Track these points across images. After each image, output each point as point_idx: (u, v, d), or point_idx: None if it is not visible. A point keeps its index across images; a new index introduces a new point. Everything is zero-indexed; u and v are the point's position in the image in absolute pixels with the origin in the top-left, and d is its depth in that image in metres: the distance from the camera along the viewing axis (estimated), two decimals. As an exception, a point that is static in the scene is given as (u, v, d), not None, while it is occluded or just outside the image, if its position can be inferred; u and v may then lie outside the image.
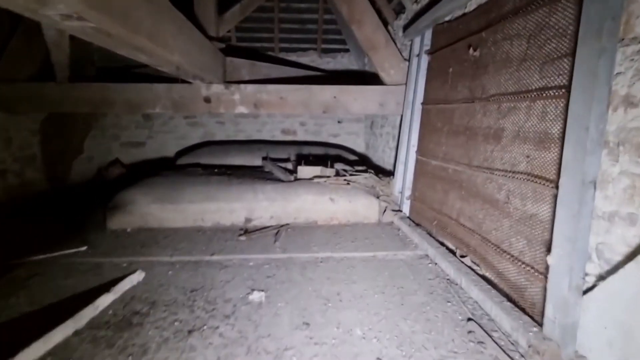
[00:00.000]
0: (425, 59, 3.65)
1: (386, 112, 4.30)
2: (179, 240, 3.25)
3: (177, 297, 2.33)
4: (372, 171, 4.25)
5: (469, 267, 2.57)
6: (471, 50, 2.63)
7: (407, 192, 3.81)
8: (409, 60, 4.13)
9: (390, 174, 4.54)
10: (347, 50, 6.66)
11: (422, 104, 3.67)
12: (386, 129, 5.33)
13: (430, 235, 3.21)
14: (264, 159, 5.02)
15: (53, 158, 4.88)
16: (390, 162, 5.02)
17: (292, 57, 6.63)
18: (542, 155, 1.96)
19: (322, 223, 3.75)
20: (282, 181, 4.00)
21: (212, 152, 5.25)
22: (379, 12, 4.77)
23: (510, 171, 2.23)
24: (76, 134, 5.49)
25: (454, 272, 2.55)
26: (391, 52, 4.27)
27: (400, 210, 3.81)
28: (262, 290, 2.38)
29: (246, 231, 3.36)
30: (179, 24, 2.50)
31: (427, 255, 2.98)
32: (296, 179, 3.98)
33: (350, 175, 3.97)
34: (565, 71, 1.83)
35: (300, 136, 6.83)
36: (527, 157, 2.06)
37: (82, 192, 4.97)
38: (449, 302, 2.28)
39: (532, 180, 2.01)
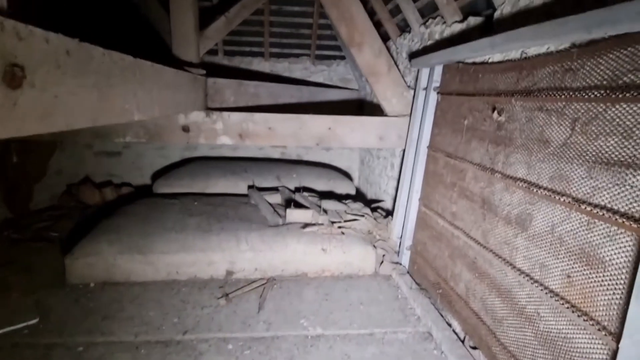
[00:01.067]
0: (433, 96, 3.22)
1: (386, 145, 3.87)
2: (148, 307, 2.83)
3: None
4: (369, 212, 3.86)
5: (482, 367, 2.23)
6: (495, 115, 2.21)
7: (408, 242, 3.43)
8: (414, 90, 3.69)
9: (388, 213, 4.16)
10: (343, 58, 6.15)
11: (429, 147, 3.25)
12: (383, 152, 4.91)
13: (434, 306, 2.85)
14: (250, 187, 4.57)
15: (11, 182, 4.37)
16: (387, 190, 4.63)
17: (284, 63, 6.09)
18: (590, 280, 1.58)
19: (312, 275, 3.36)
20: (269, 224, 3.58)
21: (193, 175, 4.78)
22: (378, 25, 4.30)
23: (536, 281, 1.86)
24: (39, 156, 4.96)
25: (465, 374, 2.20)
26: (394, 79, 3.81)
27: (399, 263, 3.44)
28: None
29: (226, 295, 2.95)
30: (141, 77, 2.02)
31: (430, 335, 2.63)
32: (284, 224, 3.57)
33: (345, 221, 3.57)
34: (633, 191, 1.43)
35: (290, 149, 6.37)
36: (568, 276, 1.68)
37: (44, 219, 4.47)
38: None
39: (571, 309, 1.64)
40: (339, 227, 3.46)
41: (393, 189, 4.44)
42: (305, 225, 3.45)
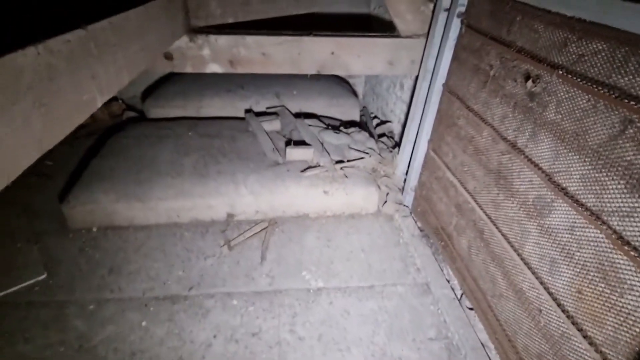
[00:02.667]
0: (456, 24, 2.70)
1: (397, 72, 3.42)
2: (153, 257, 2.87)
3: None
4: (374, 147, 3.63)
5: (478, 327, 2.33)
6: (529, 83, 1.84)
7: (413, 182, 3.31)
8: (434, 8, 3.10)
9: (395, 144, 3.92)
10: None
11: (444, 86, 2.86)
12: (393, 66, 4.41)
13: (434, 256, 2.88)
14: (247, 111, 4.24)
15: None
16: (394, 111, 4.31)
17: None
18: (602, 303, 1.50)
19: (314, 216, 3.34)
20: (268, 162, 3.41)
21: (185, 94, 4.40)
22: None
23: (543, 282, 1.79)
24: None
25: (459, 337, 2.32)
26: (410, -11, 3.16)
27: (403, 204, 3.37)
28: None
29: (229, 243, 2.97)
30: (98, 49, 1.60)
31: (429, 289, 2.71)
32: (284, 163, 3.39)
33: (349, 161, 3.37)
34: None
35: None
36: (579, 292, 1.60)
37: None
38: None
39: (575, 326, 1.60)
40: (342, 169, 3.29)
41: (401, 112, 4.12)
42: (306, 168, 3.28)
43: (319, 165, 3.28)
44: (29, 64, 1.15)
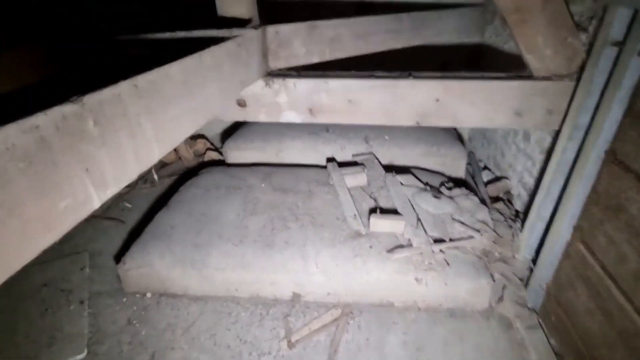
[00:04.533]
0: (636, 65, 1.79)
1: (526, 124, 2.55)
2: (200, 344, 2.39)
3: None
4: (487, 219, 2.76)
5: None
6: None
7: (544, 276, 2.36)
8: (591, 42, 2.22)
9: (515, 215, 2.99)
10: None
11: (607, 153, 1.94)
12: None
13: (583, 410, 1.91)
14: (330, 160, 3.69)
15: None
16: (513, 166, 3.37)
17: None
18: None
19: (400, 306, 2.58)
20: (347, 230, 2.77)
21: (265, 134, 4.03)
22: None
23: None
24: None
25: None
26: (553, 15, 2.31)
27: (526, 307, 2.43)
28: None
29: (289, 337, 2.37)
30: (103, 134, 1.16)
31: None
32: (367, 234, 2.71)
33: (452, 240, 2.57)
34: None
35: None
36: None
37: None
38: None
39: None
40: (442, 251, 2.50)
41: (524, 169, 3.17)
42: (395, 247, 2.55)
43: (411, 245, 2.53)
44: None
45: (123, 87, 1.23)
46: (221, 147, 4.37)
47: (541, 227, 2.47)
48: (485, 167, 4.05)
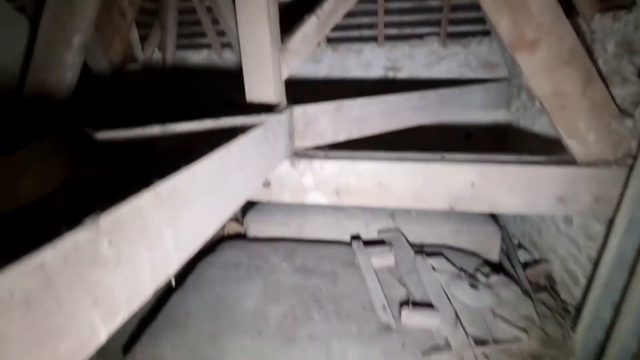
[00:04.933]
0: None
1: (571, 211, 2.36)
2: None
3: None
4: (534, 315, 2.48)
5: None
6: None
7: (608, 392, 2.03)
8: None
9: (563, 311, 2.70)
10: (486, 34, 4.42)
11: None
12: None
13: None
14: (354, 238, 3.52)
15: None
16: (554, 248, 3.10)
17: (403, 47, 4.65)
18: None
19: (439, 418, 2.25)
20: (376, 323, 2.52)
21: (288, 212, 3.92)
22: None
23: None
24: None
25: None
26: (594, 99, 2.21)
27: None
28: None
29: None
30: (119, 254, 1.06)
31: None
32: (398, 328, 2.45)
33: (495, 342, 2.28)
34: None
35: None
36: None
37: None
38: None
39: None
40: (485, 356, 2.21)
41: (568, 254, 2.91)
42: (431, 348, 2.28)
43: (449, 347, 2.25)
44: None
45: (144, 198, 1.13)
46: (242, 218, 4.27)
47: (600, 330, 2.17)
48: (520, 245, 3.79)
